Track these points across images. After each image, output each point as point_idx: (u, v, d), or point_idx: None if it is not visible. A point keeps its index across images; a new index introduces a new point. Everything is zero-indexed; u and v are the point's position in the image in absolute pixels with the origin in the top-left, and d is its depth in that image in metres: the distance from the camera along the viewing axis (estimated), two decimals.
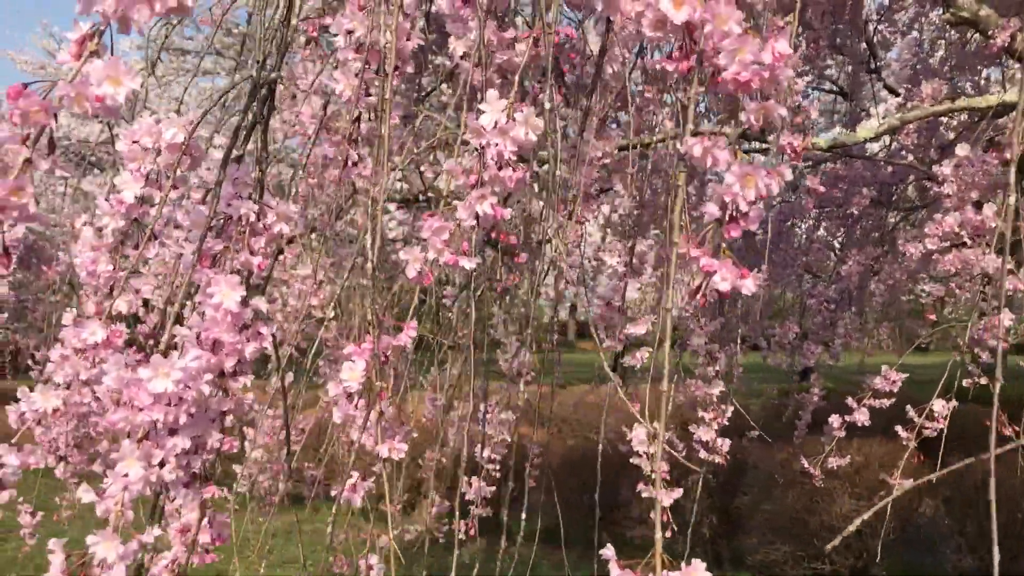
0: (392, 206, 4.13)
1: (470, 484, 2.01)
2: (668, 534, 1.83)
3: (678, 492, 1.87)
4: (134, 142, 1.09)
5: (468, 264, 0.97)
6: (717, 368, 2.04)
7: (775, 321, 3.81)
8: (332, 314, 2.59)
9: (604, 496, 1.46)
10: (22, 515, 2.59)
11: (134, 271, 1.13)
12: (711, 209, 0.82)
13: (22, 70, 11.56)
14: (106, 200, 1.12)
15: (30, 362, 3.57)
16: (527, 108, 0.95)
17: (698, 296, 0.87)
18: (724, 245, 0.83)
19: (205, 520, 1.06)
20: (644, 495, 1.89)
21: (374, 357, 1.01)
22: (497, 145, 0.95)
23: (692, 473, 2.03)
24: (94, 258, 1.14)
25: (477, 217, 0.96)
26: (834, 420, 2.74)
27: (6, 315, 3.50)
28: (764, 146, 3.26)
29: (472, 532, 2.14)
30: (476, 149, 0.97)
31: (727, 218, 0.82)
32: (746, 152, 3.59)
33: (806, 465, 2.91)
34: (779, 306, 4.82)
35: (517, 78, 1.03)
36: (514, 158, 0.95)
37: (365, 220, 2.09)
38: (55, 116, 0.74)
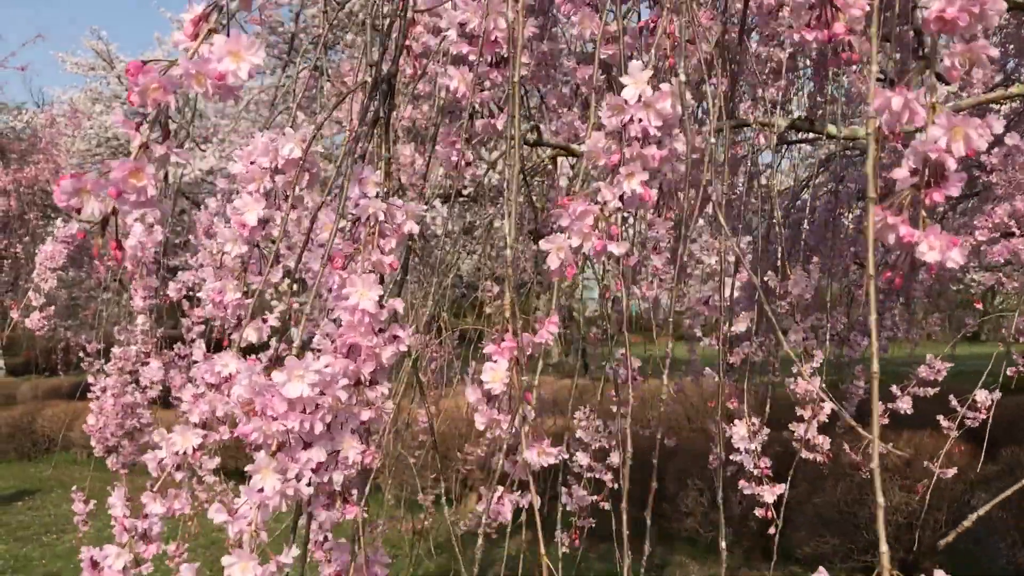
0: (436, 201, 4.14)
1: (570, 494, 1.83)
2: (773, 531, 1.82)
3: (781, 487, 1.83)
4: (251, 162, 1.02)
5: (617, 249, 0.87)
6: (815, 365, 1.96)
7: (823, 312, 3.76)
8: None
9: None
10: (75, 503, 2.67)
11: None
12: (902, 173, 0.73)
13: (72, 72, 11.75)
14: (225, 225, 1.05)
15: (81, 354, 3.65)
16: (674, 79, 0.87)
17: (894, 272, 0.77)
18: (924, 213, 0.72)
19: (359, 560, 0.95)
20: (747, 492, 1.86)
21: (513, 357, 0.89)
22: (641, 120, 0.86)
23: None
24: (220, 288, 1.07)
25: (623, 198, 0.87)
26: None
27: (54, 307, 3.58)
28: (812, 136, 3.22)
29: (577, 543, 2.00)
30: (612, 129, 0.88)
31: (925, 182, 0.72)
32: (794, 143, 3.52)
33: (847, 450, 2.89)
34: (826, 297, 4.76)
35: (652, 52, 0.94)
36: (659, 134, 0.87)
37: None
38: (174, 94, 0.70)
